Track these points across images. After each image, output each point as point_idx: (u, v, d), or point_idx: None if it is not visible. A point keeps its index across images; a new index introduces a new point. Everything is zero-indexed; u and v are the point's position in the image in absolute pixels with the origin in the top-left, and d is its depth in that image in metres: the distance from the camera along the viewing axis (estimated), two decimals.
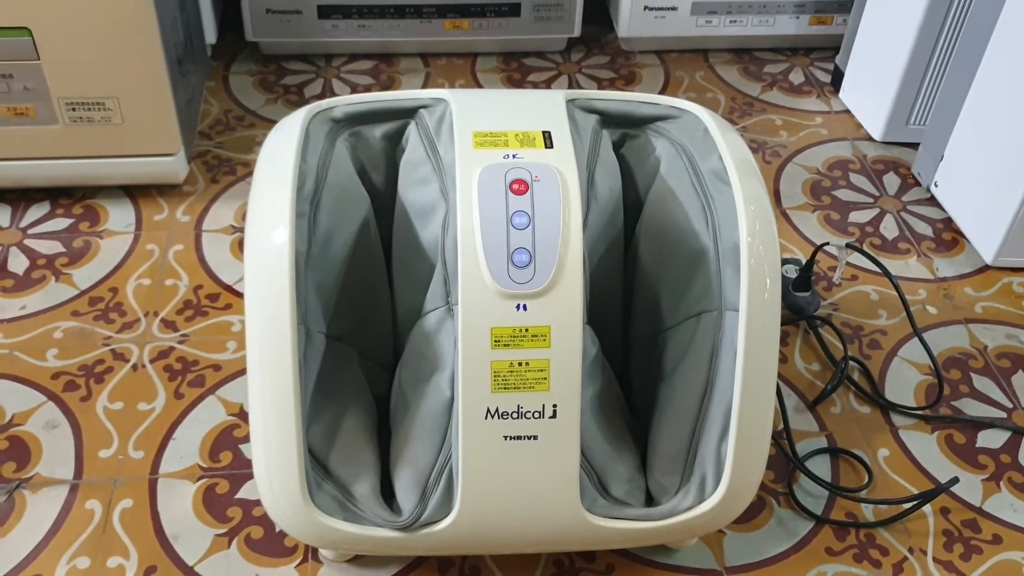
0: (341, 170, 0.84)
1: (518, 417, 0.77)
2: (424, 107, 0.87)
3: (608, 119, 0.89)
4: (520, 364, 0.77)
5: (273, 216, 0.76)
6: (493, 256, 0.75)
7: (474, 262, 0.75)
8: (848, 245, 1.08)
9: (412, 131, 0.87)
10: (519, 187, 0.77)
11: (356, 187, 0.85)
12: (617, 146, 0.91)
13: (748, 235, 0.78)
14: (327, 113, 0.86)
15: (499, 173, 0.77)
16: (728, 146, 0.84)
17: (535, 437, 0.78)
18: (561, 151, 0.80)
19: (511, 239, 0.76)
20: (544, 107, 0.85)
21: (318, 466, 0.80)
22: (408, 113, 0.88)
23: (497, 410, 0.77)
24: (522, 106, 0.85)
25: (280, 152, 0.80)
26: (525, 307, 0.76)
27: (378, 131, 0.88)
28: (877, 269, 1.12)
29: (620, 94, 0.89)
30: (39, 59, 1.10)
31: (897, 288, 1.06)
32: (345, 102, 0.87)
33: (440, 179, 0.83)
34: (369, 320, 0.88)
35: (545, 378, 0.77)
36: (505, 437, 0.78)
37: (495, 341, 0.76)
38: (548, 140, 0.81)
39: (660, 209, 0.87)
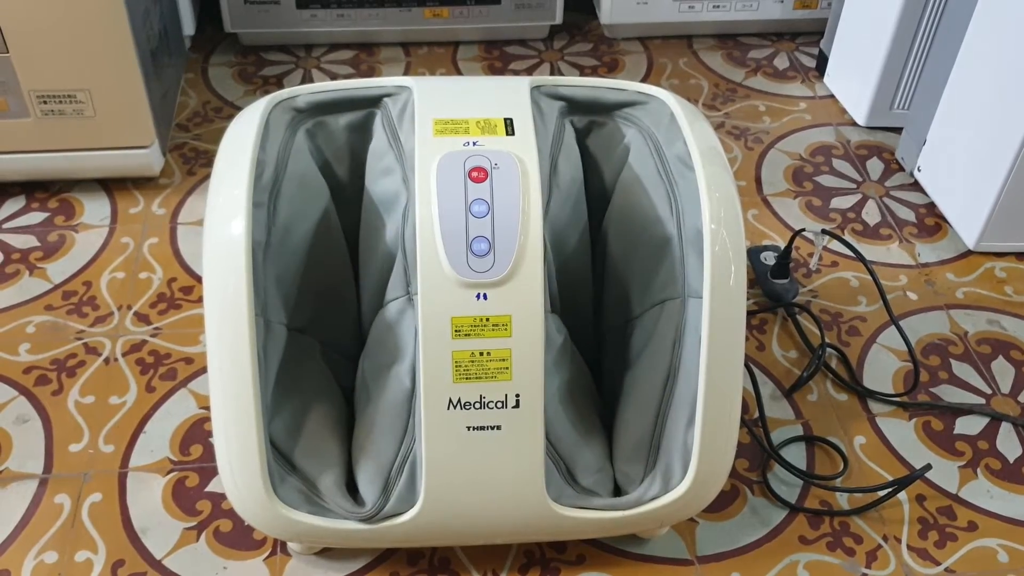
0: (301, 160, 0.83)
1: (480, 407, 0.77)
2: (388, 95, 0.86)
3: (574, 105, 0.88)
4: (481, 354, 0.76)
5: (230, 206, 0.76)
6: (452, 245, 0.74)
7: (433, 251, 0.75)
8: (824, 231, 1.07)
9: (378, 121, 0.86)
10: (478, 175, 0.76)
11: (316, 178, 0.84)
12: (584, 134, 0.90)
13: (712, 222, 0.77)
14: (289, 102, 0.85)
15: (458, 161, 0.76)
16: (693, 132, 0.83)
17: (498, 427, 0.77)
18: (523, 138, 0.79)
19: (470, 227, 0.75)
20: (507, 94, 0.83)
21: (282, 459, 0.79)
22: (373, 102, 0.87)
23: (459, 400, 0.76)
24: (485, 93, 0.84)
25: (239, 142, 0.80)
26: (485, 296, 0.75)
27: (342, 121, 0.87)
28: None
29: (586, 80, 0.88)
30: (8, 52, 1.09)
31: (873, 274, 1.04)
32: (308, 91, 0.86)
33: (402, 168, 0.82)
34: (333, 312, 0.87)
35: (507, 367, 0.76)
36: (468, 428, 0.77)
37: (456, 331, 0.75)
38: (510, 127, 0.80)
39: (628, 197, 0.86)
